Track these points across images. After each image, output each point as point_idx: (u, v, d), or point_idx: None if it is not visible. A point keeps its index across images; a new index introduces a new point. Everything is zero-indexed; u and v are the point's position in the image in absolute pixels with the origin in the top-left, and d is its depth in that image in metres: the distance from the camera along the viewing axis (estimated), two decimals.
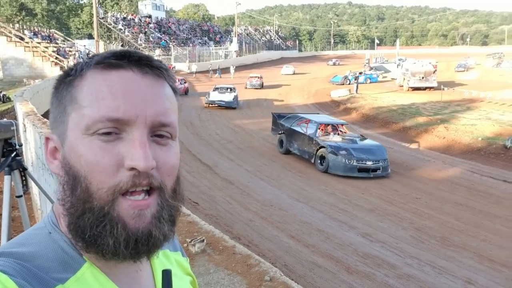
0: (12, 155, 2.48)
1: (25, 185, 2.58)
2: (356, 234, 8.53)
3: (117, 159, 0.60)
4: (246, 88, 33.40)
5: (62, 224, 0.64)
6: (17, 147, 2.52)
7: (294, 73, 47.20)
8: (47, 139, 0.68)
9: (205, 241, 4.65)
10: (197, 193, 10.40)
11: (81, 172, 0.61)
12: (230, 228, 8.16)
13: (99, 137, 0.60)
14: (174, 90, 0.70)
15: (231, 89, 26.46)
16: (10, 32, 34.37)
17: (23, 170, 2.58)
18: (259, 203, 10.02)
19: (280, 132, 15.60)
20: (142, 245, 0.61)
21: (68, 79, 0.65)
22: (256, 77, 35.48)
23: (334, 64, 60.24)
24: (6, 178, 2.52)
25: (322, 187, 11.72)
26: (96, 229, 0.59)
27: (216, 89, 26.53)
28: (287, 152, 15.05)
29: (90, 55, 0.68)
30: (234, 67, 44.76)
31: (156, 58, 0.68)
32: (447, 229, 9.00)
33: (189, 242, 4.60)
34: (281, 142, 15.44)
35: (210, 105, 25.02)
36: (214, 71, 42.98)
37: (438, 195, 11.27)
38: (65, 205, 0.63)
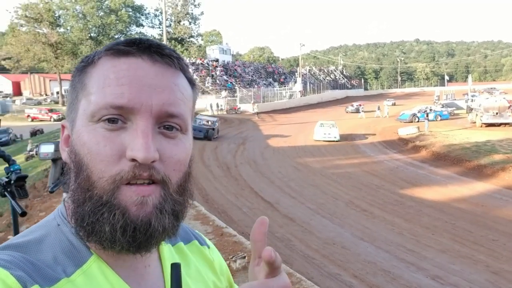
0: None
1: None
2: (425, 276, 7.97)
3: (119, 149, 0.58)
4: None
5: (71, 216, 0.63)
6: None
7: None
8: (63, 126, 0.68)
9: (246, 258, 4.64)
10: None
11: (84, 160, 0.60)
12: (290, 265, 7.97)
13: (103, 125, 0.59)
14: (190, 81, 0.68)
15: None
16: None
17: None
18: (321, 241, 9.73)
19: None
20: (140, 234, 0.59)
21: (81, 66, 0.65)
22: None
23: (357, 110, 44.04)
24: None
25: (388, 226, 11.18)
26: (94, 216, 0.58)
27: None
28: None
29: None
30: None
31: (182, 57, 0.66)
32: None
33: (231, 258, 4.65)
34: None
35: None
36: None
37: None
38: (70, 194, 0.62)
